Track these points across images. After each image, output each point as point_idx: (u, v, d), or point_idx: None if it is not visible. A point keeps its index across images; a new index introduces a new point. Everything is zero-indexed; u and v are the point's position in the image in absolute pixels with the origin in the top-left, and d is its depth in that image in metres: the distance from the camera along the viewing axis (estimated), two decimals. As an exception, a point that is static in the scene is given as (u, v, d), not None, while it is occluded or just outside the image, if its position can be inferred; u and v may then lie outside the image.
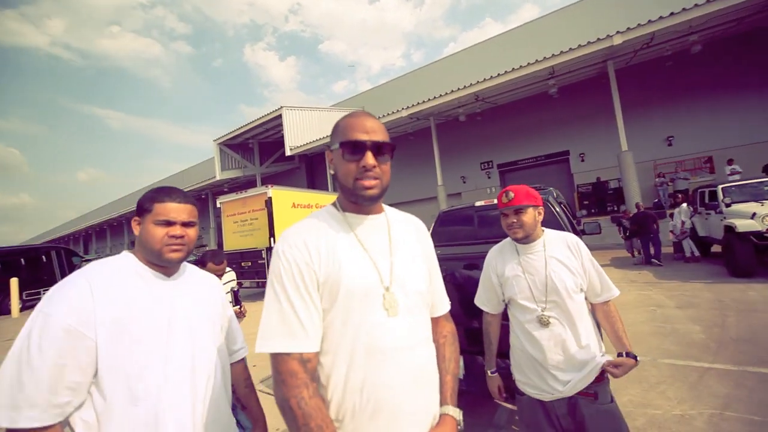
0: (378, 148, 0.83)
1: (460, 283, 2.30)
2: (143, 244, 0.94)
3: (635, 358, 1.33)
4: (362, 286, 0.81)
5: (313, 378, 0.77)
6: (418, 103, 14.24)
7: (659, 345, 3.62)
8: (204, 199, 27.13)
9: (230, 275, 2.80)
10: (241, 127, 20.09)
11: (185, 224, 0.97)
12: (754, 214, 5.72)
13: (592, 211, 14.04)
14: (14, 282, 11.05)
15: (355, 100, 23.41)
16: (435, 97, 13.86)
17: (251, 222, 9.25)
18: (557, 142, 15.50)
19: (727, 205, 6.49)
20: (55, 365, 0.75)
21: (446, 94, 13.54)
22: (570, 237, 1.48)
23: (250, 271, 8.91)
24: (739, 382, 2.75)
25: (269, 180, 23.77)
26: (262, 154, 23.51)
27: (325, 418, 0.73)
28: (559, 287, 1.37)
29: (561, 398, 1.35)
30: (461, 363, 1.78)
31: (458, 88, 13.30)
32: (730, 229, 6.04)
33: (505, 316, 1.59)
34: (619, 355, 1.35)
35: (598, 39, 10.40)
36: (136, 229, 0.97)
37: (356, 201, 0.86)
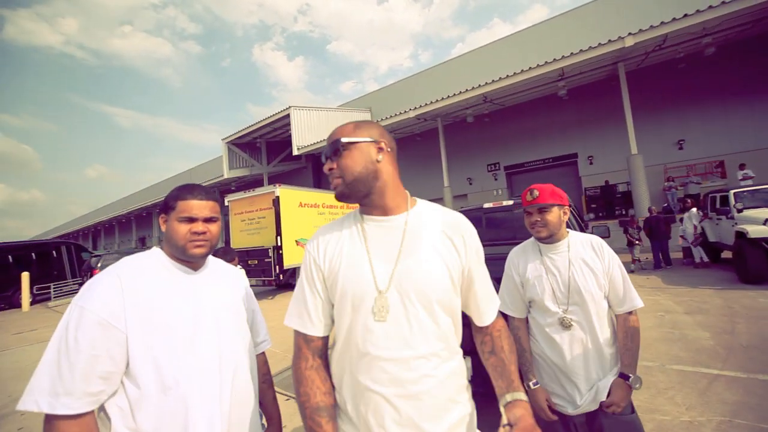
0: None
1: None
2: (169, 241, 0.98)
3: (627, 378, 1.27)
4: (355, 289, 0.83)
5: (319, 355, 0.90)
6: (426, 104, 14.22)
7: (668, 351, 3.59)
8: (211, 197, 27.33)
9: (240, 273, 2.84)
10: (250, 126, 20.24)
11: (207, 220, 1.00)
12: (767, 220, 5.63)
13: (600, 214, 13.90)
14: (25, 276, 11.25)
15: (362, 101, 23.45)
16: (443, 98, 13.83)
17: (258, 221, 9.32)
18: (565, 144, 15.39)
19: (739, 211, 6.39)
20: (89, 356, 0.79)
21: (455, 95, 13.51)
22: (596, 239, 1.43)
23: (257, 269, 8.98)
24: (749, 389, 2.71)
25: (276, 179, 23.92)
26: (269, 153, 23.65)
27: (313, 388, 0.85)
28: (582, 289, 1.33)
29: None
30: (469, 364, 1.75)
31: (467, 89, 13.27)
32: (741, 235, 5.96)
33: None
34: (620, 375, 1.30)
35: (610, 41, 10.31)
36: (163, 226, 1.01)
37: None
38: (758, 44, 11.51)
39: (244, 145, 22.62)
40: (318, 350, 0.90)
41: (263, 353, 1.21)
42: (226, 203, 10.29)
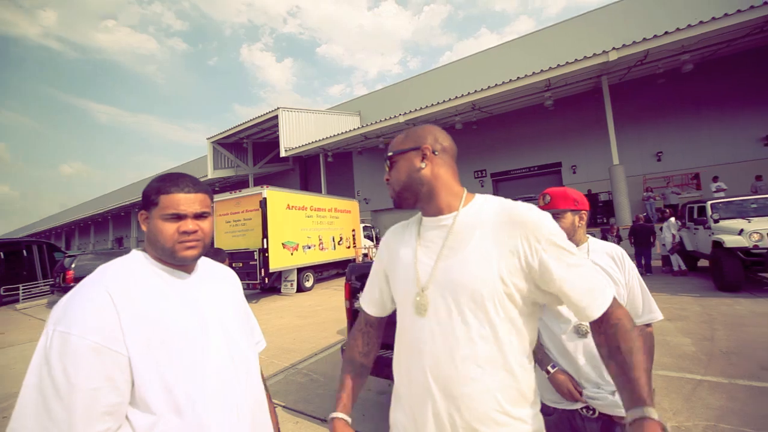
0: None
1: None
2: (153, 243, 0.83)
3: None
4: (402, 285, 0.91)
5: (371, 325, 1.06)
6: (416, 110, 14.36)
7: (652, 356, 3.67)
8: (194, 197, 26.71)
9: (232, 272, 2.75)
10: (237, 126, 19.94)
11: (198, 216, 0.86)
12: (742, 230, 5.88)
13: (583, 222, 14.24)
14: (-7, 276, 10.67)
15: (352, 104, 23.46)
16: (433, 105, 14.00)
17: (244, 222, 9.13)
18: (550, 153, 15.76)
19: (716, 221, 6.65)
20: (87, 391, 0.66)
21: (444, 101, 13.69)
22: (616, 248, 1.40)
23: (241, 272, 8.78)
24: (732, 394, 2.79)
25: (262, 180, 23.57)
26: (255, 154, 23.34)
27: (354, 345, 1.05)
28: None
29: (593, 417, 1.26)
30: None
31: (456, 97, 13.47)
32: (718, 245, 6.19)
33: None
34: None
35: (595, 54, 10.68)
36: (144, 225, 0.85)
37: None
38: (731, 63, 12.13)
39: (230, 145, 22.25)
40: (370, 322, 1.07)
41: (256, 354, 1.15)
42: (211, 204, 10.04)
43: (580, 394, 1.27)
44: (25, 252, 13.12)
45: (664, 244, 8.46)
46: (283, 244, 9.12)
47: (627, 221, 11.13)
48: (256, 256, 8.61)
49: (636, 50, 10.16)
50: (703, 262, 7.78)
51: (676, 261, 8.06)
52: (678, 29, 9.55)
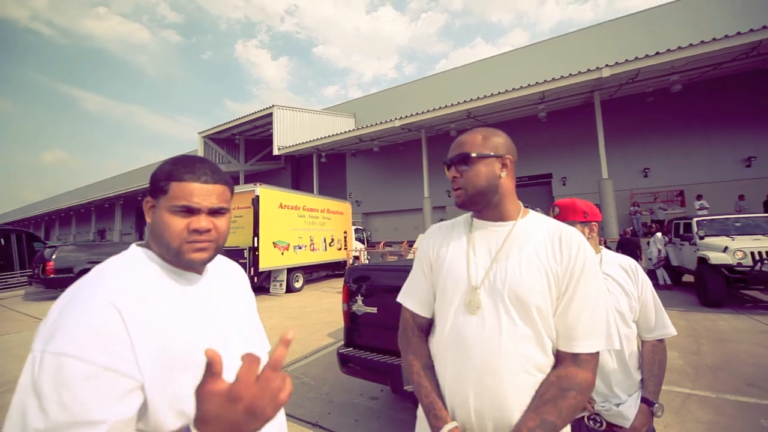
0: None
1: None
2: (157, 238, 0.70)
3: (651, 404, 1.22)
4: (453, 283, 0.92)
5: (421, 329, 1.01)
6: (412, 115, 14.42)
7: (641, 369, 3.72)
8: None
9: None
10: (230, 121, 19.70)
11: (213, 212, 0.72)
12: (726, 248, 6.05)
13: (571, 234, 14.49)
14: (-33, 265, 10.24)
15: (347, 106, 23.46)
16: (429, 111, 14.09)
17: (235, 219, 8.98)
18: (541, 164, 16.01)
19: (701, 238, 6.83)
20: (88, 424, 0.52)
21: (440, 108, 13.80)
22: (630, 262, 1.39)
23: (230, 269, 8.62)
24: (719, 409, 2.85)
25: (253, 178, 23.31)
26: (247, 151, 23.09)
27: (422, 352, 0.97)
28: (613, 308, 1.29)
29: (600, 429, 1.26)
30: None
31: (452, 104, 13.60)
32: (703, 261, 6.36)
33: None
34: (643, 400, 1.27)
35: (589, 70, 10.94)
36: (149, 216, 0.72)
37: None
38: (718, 86, 12.58)
39: (222, 140, 21.96)
40: (421, 325, 1.02)
41: None
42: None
43: (592, 406, 1.28)
44: (2, 240, 12.64)
45: (650, 258, 8.65)
46: (273, 243, 9.01)
47: (614, 234, 11.36)
48: (246, 255, 8.48)
49: (628, 68, 10.45)
50: (687, 277, 7.97)
51: (662, 275, 8.25)
52: (669, 50, 9.87)
